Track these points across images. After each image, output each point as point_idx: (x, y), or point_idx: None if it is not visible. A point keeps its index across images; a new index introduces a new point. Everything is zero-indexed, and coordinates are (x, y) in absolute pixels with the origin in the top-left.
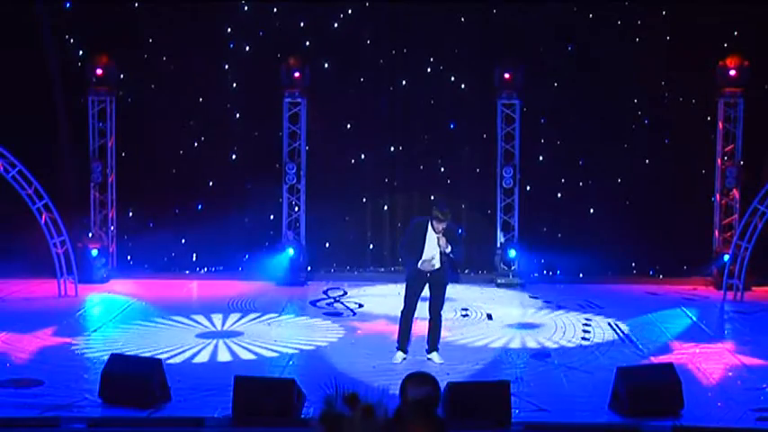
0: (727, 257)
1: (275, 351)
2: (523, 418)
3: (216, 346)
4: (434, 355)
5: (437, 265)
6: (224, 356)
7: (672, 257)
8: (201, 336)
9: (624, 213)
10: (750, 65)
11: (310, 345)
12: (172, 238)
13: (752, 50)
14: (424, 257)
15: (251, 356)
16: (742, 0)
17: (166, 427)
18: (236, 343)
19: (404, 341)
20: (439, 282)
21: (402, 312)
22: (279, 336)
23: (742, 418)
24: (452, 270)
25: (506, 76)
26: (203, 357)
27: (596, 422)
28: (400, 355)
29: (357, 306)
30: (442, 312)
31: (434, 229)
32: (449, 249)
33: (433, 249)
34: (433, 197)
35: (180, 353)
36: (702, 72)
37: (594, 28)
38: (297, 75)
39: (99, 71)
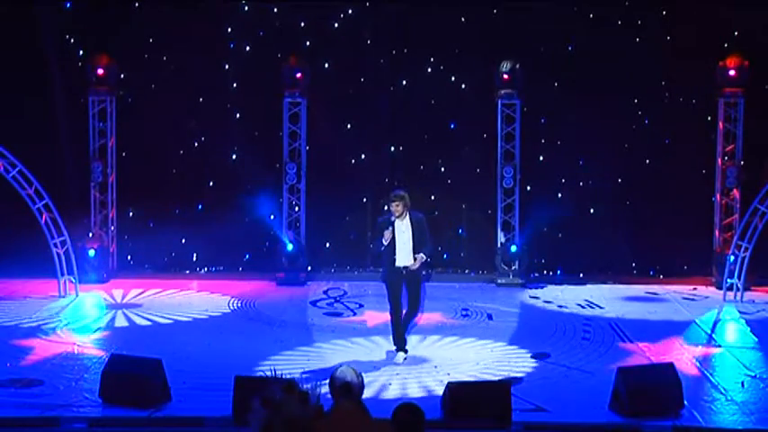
0: (732, 258)
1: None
2: (523, 418)
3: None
4: (399, 355)
5: (412, 257)
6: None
7: (672, 257)
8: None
9: (624, 213)
10: (750, 65)
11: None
12: (172, 238)
13: (752, 50)
14: (398, 253)
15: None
16: (742, 0)
17: (166, 426)
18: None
19: (400, 341)
20: (415, 278)
21: (390, 313)
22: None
23: (741, 419)
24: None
25: (506, 76)
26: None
27: (596, 422)
28: (401, 355)
29: (357, 306)
30: (420, 308)
31: (394, 215)
32: (418, 265)
33: (404, 242)
34: (433, 197)
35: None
36: (702, 72)
37: (594, 28)
38: (297, 75)
39: (99, 71)
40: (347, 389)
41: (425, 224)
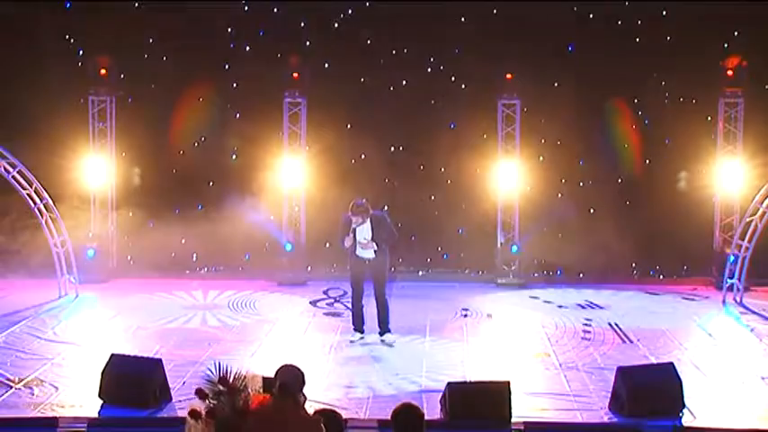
0: (732, 258)
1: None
2: (523, 418)
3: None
4: (387, 336)
5: (374, 248)
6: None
7: (672, 257)
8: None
9: (624, 213)
10: (750, 65)
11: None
12: (172, 238)
13: (752, 50)
14: (359, 240)
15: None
16: (742, 0)
17: (166, 427)
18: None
19: (358, 323)
20: (378, 268)
21: (351, 299)
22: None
23: (742, 418)
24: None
25: (506, 76)
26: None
27: (597, 422)
28: (357, 335)
29: None
30: (386, 296)
31: (355, 223)
32: (374, 248)
33: (364, 237)
34: (433, 197)
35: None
36: (703, 72)
37: (594, 28)
38: (297, 75)
39: (99, 71)
40: (284, 387)
41: (386, 220)
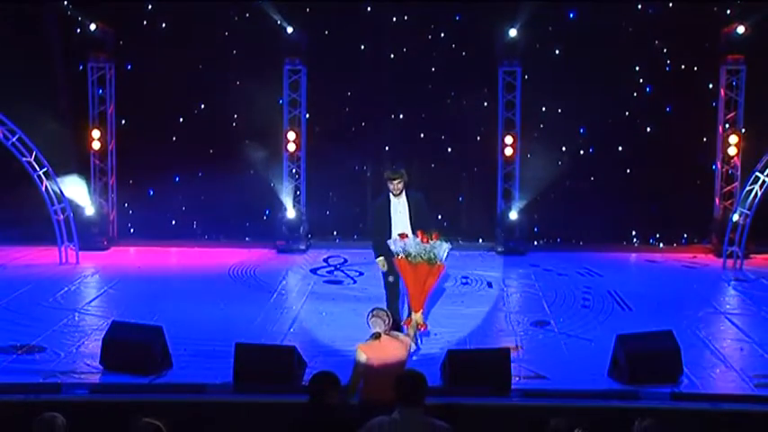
0: (732, 225)
1: None
2: (523, 385)
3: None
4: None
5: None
6: None
7: (672, 225)
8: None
9: (625, 181)
10: (752, 32)
11: None
12: (173, 205)
13: (754, 18)
14: (393, 233)
15: None
16: None
17: (168, 393)
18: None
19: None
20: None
21: (386, 300)
22: None
23: (740, 385)
24: None
25: (508, 43)
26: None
27: (595, 389)
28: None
29: (357, 274)
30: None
31: (394, 194)
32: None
33: (400, 221)
34: (433, 165)
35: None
36: (705, 39)
37: None
38: (297, 42)
39: (98, 38)
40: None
41: (425, 204)
